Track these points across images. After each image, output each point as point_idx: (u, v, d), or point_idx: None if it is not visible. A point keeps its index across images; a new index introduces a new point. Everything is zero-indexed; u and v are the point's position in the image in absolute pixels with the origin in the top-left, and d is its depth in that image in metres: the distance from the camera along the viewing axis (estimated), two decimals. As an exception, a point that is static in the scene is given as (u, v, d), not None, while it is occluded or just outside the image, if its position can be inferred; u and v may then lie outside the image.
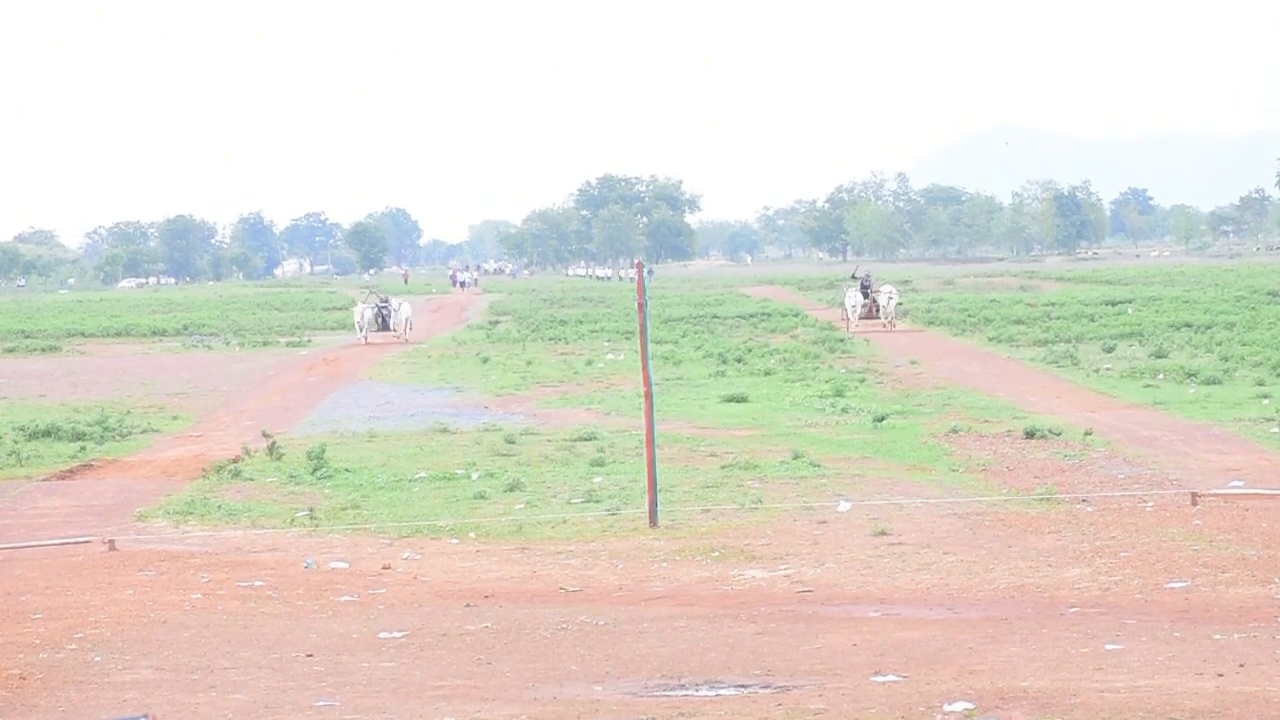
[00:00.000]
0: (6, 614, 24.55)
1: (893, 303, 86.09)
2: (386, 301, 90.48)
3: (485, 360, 69.81)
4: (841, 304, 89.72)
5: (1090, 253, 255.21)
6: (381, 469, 38.80)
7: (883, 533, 29.26)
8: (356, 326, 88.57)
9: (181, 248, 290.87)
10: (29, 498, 36.84)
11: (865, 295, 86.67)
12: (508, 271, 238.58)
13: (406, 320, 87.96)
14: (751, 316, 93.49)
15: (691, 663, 20.66)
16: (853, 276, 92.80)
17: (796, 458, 38.15)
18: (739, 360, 65.44)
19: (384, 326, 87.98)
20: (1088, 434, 41.07)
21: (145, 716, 8.12)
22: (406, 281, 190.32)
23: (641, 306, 34.25)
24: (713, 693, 19.39)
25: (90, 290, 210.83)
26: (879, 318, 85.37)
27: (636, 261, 37.20)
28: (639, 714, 18.25)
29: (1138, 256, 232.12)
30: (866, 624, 22.67)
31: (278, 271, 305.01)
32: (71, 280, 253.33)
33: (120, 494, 36.76)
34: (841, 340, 74.30)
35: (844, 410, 47.92)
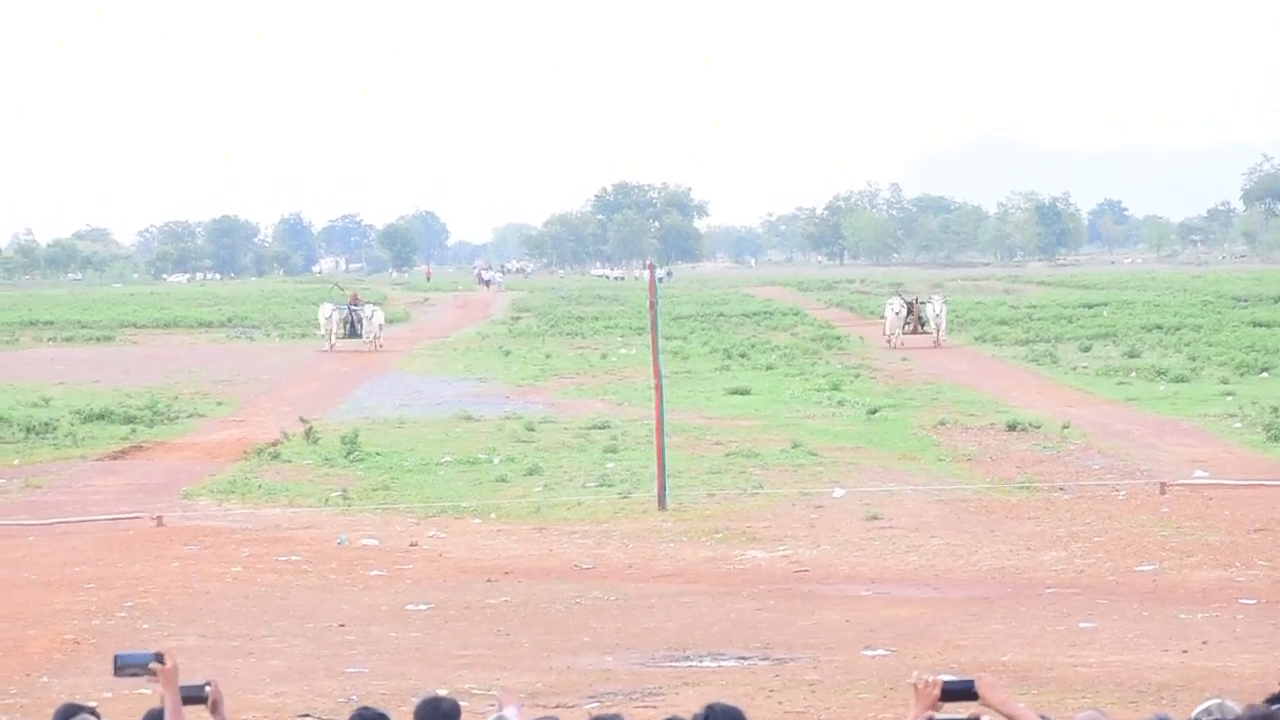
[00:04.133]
0: (62, 583, 24.60)
1: (942, 316, 71.64)
2: (358, 305, 76.20)
3: (507, 353, 69.71)
4: (886, 317, 73.88)
5: (1069, 259, 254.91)
6: (410, 453, 38.81)
7: (874, 517, 29.26)
8: (323, 331, 75.49)
9: (227, 245, 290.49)
10: (84, 476, 36.89)
11: (910, 309, 72.43)
12: (527, 271, 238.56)
13: (379, 328, 74.10)
14: (755, 315, 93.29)
15: (696, 636, 20.68)
16: (897, 295, 79.05)
17: (795, 447, 38.13)
18: (743, 356, 65.32)
19: (353, 333, 74.11)
20: (1065, 427, 41.02)
21: (208, 684, 8.06)
22: (429, 279, 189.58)
23: (653, 305, 34.30)
24: (715, 664, 19.42)
25: (141, 284, 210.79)
26: (924, 332, 70.88)
27: (648, 263, 37.27)
28: (647, 683, 18.27)
29: (1113, 263, 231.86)
30: (859, 602, 22.69)
31: (315, 269, 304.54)
32: (135, 276, 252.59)
33: (168, 473, 36.79)
34: (838, 338, 74.09)
35: (840, 403, 47.87)
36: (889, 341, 70.14)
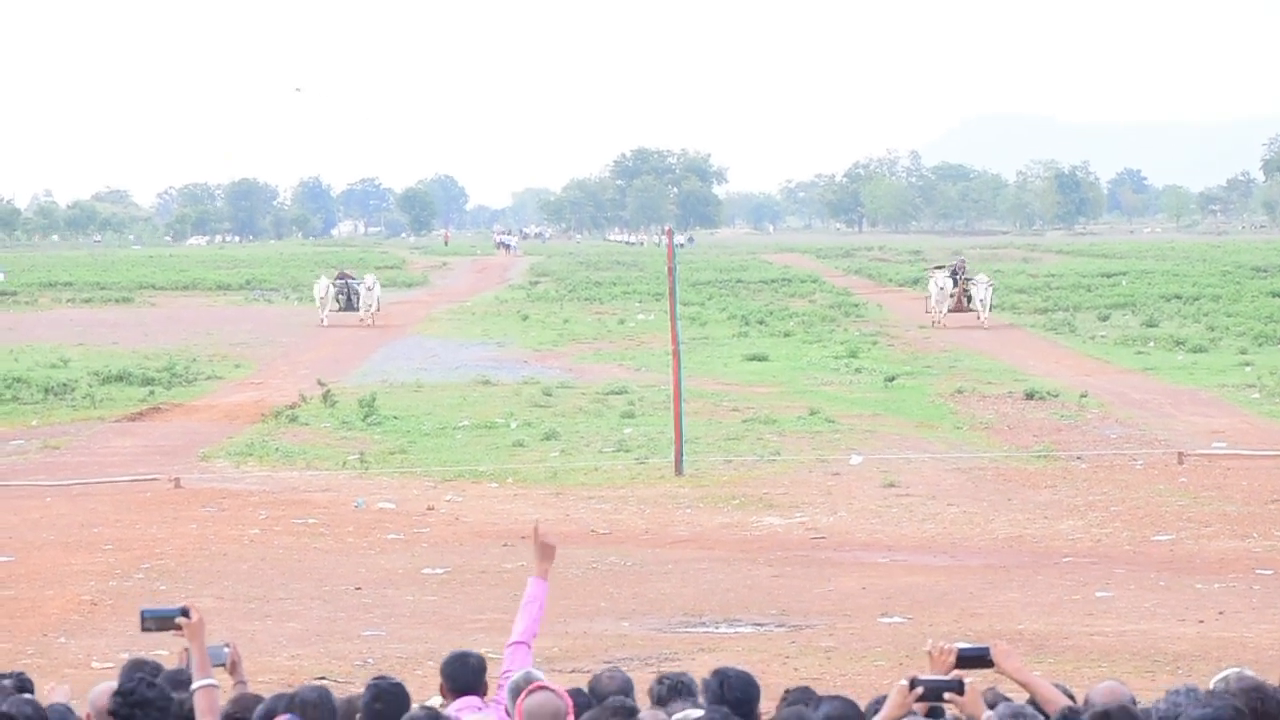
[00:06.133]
0: (80, 544, 24.65)
1: (989, 295, 66.18)
2: (353, 278, 72.50)
3: (525, 318, 69.67)
4: (928, 291, 68.38)
5: (1088, 229, 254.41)
6: (427, 417, 38.83)
7: (891, 485, 29.24)
8: (317, 305, 70.95)
9: (245, 208, 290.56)
10: (102, 437, 36.95)
11: (955, 283, 66.92)
12: (545, 236, 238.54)
13: (377, 301, 69.60)
14: (773, 282, 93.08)
15: (712, 602, 20.68)
16: (938, 267, 73.72)
17: (813, 413, 38.10)
18: (761, 322, 65.27)
19: (348, 306, 70.31)
20: (1083, 396, 40.96)
21: (226, 645, 8.12)
22: (447, 243, 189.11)
23: (671, 271, 34.29)
24: (731, 630, 19.43)
25: (160, 247, 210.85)
26: (969, 309, 65.95)
27: (667, 229, 37.26)
28: (662, 648, 18.28)
29: (1132, 233, 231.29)
30: (875, 569, 22.68)
31: (334, 232, 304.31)
32: (131, 237, 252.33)
33: (186, 435, 36.83)
34: (857, 305, 73.88)
35: (857, 370, 47.82)
36: (933, 321, 64.74)
